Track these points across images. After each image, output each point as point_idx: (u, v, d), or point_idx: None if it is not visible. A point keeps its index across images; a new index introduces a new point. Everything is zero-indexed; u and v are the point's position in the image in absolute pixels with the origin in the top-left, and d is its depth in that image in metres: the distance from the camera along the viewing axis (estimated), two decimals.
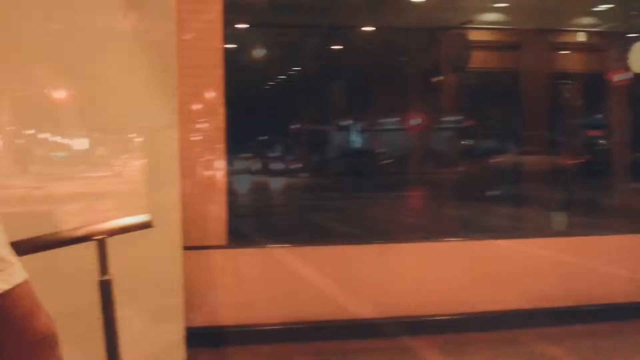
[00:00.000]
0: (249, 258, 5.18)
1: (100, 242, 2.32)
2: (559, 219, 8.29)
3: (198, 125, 4.77)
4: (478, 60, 11.64)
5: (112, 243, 2.57)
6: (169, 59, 3.35)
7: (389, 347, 5.21)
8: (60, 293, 3.08)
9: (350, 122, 17.52)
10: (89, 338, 3.14)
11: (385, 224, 8.18)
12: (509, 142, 13.31)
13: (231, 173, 5.41)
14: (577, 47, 12.32)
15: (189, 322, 3.75)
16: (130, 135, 3.29)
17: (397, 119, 14.82)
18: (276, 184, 12.19)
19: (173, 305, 3.40)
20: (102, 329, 2.37)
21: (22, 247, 2.50)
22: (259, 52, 12.24)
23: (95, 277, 2.62)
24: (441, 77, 12.56)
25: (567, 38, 12.47)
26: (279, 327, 5.25)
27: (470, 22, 11.53)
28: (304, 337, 5.25)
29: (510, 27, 12.01)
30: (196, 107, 4.71)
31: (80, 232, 2.36)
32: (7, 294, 1.15)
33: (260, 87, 17.95)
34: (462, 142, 14.27)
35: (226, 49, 4.98)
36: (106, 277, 2.33)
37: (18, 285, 1.17)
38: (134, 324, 2.84)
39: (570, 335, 5.12)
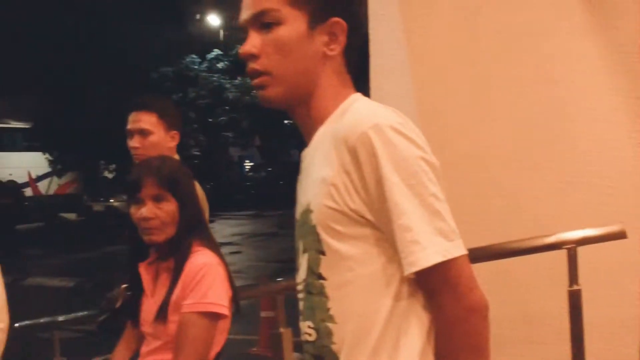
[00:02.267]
0: None
1: (571, 251, 2.30)
2: None
3: None
4: None
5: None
6: (631, 60, 3.20)
7: None
8: (522, 297, 3.14)
9: None
10: (546, 344, 3.16)
11: None
12: None
13: None
14: None
15: None
16: (590, 138, 3.20)
17: None
18: None
19: (630, 316, 3.24)
20: (569, 336, 2.36)
21: (489, 252, 2.60)
22: None
23: (556, 284, 2.62)
24: None
25: None
26: None
27: None
28: None
29: None
30: None
31: (550, 240, 2.37)
32: (454, 261, 1.35)
33: None
34: None
35: None
36: (576, 287, 2.30)
37: (462, 256, 1.37)
38: (589, 332, 2.78)
39: None
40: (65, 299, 12.09)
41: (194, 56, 32.83)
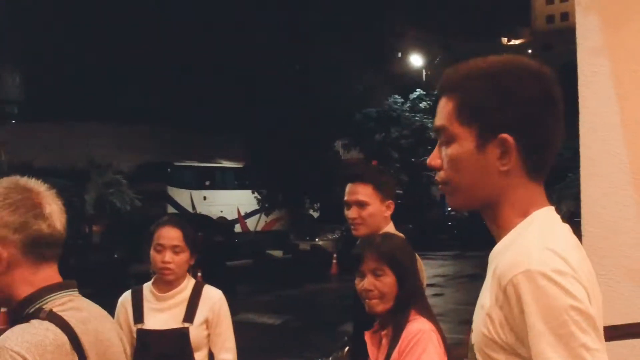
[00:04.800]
0: None
1: None
2: None
3: None
4: None
5: None
6: None
7: None
8: None
9: None
10: None
11: None
12: None
13: None
14: None
15: None
16: None
17: None
18: None
19: None
20: None
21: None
22: None
23: None
24: None
25: None
26: None
27: None
28: None
29: None
30: None
31: None
32: None
33: None
34: None
35: None
36: None
37: None
38: None
39: None
40: (274, 336, 12.58)
41: (396, 96, 33.33)
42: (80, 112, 31.92)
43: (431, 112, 32.86)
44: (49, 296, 1.91)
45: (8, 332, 1.83)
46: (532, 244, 1.43)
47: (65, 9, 34.97)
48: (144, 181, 27.29)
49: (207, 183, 31.44)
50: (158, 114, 33.51)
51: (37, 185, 1.97)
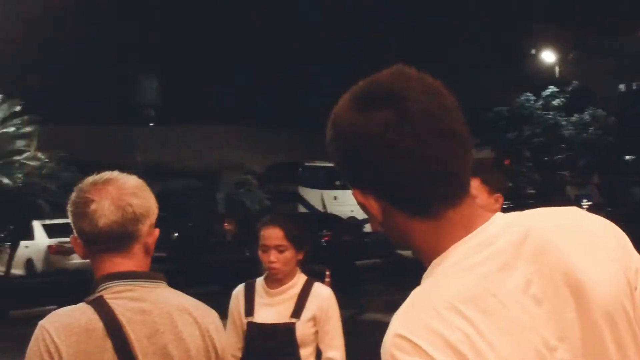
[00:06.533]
0: None
1: None
2: None
3: None
4: None
5: None
6: None
7: None
8: None
9: None
10: None
11: None
12: None
13: None
14: None
15: None
16: None
17: None
18: None
19: None
20: None
21: None
22: None
23: None
24: None
25: None
26: None
27: None
28: None
29: None
30: None
31: None
32: None
33: None
34: None
35: None
36: None
37: None
38: None
39: None
40: None
41: (528, 94, 32.49)
42: (214, 116, 32.87)
43: (565, 109, 31.88)
44: (105, 284, 1.99)
45: (57, 310, 1.95)
46: (392, 326, 1.30)
47: (198, 16, 36.11)
48: (275, 181, 27.78)
49: (338, 183, 31.64)
50: (288, 115, 34.07)
51: (106, 180, 2.04)
